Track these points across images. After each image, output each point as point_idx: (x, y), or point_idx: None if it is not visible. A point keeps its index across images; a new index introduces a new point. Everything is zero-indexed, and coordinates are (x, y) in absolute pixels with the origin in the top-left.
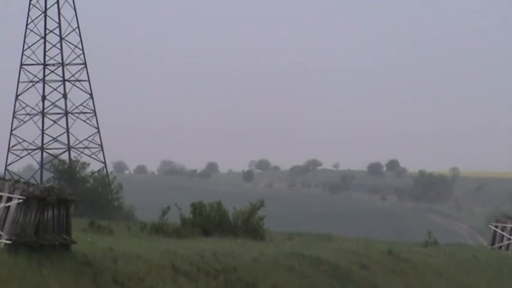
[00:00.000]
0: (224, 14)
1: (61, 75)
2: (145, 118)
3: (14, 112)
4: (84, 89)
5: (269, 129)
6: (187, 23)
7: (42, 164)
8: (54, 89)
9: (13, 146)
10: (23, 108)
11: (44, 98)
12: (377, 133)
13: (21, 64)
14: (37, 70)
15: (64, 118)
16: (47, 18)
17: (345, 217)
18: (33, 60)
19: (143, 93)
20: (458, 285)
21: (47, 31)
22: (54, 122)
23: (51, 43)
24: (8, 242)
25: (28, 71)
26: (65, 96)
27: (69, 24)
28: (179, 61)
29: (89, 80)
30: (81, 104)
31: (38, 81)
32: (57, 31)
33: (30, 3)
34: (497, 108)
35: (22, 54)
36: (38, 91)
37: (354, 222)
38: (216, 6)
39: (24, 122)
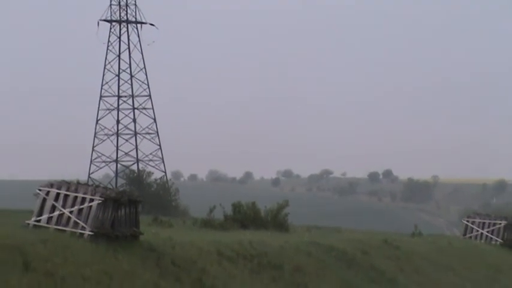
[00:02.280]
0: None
1: (131, 104)
2: (197, 136)
3: (95, 133)
4: (149, 115)
5: (292, 145)
6: (223, 47)
7: (116, 173)
8: (126, 115)
9: (94, 159)
10: (102, 130)
11: (118, 122)
12: (375, 149)
13: (101, 96)
14: (113, 100)
15: (133, 138)
16: (121, 60)
17: (350, 214)
18: (110, 93)
19: (195, 116)
20: (438, 265)
21: (121, 71)
22: (126, 140)
23: (123, 80)
24: (90, 233)
25: (106, 101)
26: (134, 120)
27: (137, 65)
28: (217, 90)
29: (152, 108)
30: (146, 127)
31: (113, 109)
32: (128, 70)
33: (107, 49)
34: (469, 127)
35: (101, 88)
36: (113, 117)
37: (357, 218)
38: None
39: (103, 141)
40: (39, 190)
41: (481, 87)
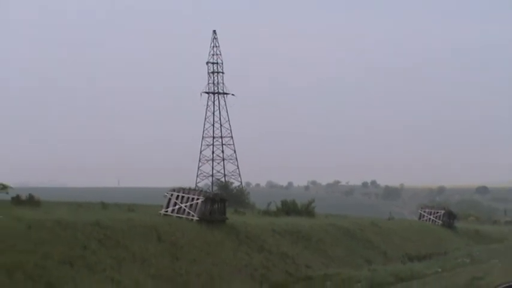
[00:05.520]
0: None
1: (220, 142)
2: (259, 158)
3: (199, 159)
4: (231, 148)
5: (315, 166)
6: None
7: (212, 183)
8: (217, 148)
9: (199, 174)
10: (204, 157)
11: (213, 152)
12: (367, 167)
13: (203, 136)
14: (209, 140)
15: (222, 162)
16: (214, 116)
17: (352, 207)
18: (208, 135)
19: (258, 146)
20: (404, 237)
21: (214, 122)
22: (217, 163)
23: (216, 127)
24: (197, 219)
25: (206, 140)
26: (222, 152)
27: (225, 118)
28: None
29: (233, 145)
30: (229, 155)
31: (210, 145)
32: (218, 122)
33: (206, 109)
34: (422, 153)
35: (203, 132)
36: (210, 149)
37: (356, 209)
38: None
39: (204, 164)
40: (167, 193)
41: (438, 122)
